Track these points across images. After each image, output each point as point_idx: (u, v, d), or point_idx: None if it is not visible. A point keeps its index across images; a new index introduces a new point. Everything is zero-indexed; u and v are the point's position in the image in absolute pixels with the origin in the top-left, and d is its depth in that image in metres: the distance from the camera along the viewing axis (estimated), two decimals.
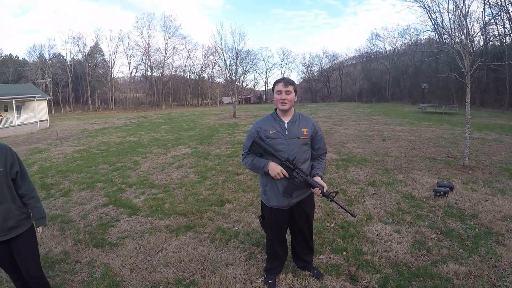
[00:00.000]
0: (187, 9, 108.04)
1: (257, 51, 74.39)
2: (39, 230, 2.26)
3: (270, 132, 2.34)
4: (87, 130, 18.47)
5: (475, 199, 4.40)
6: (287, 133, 2.34)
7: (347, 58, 61.87)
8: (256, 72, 68.81)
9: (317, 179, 2.31)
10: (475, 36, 22.95)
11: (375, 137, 10.70)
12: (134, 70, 56.34)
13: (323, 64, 61.90)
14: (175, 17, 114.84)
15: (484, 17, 26.94)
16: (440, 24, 30.32)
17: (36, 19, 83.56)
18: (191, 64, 61.95)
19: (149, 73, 55.98)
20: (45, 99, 26.98)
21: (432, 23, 32.23)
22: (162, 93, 55.23)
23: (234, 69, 27.51)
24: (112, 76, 54.47)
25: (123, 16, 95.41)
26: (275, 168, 2.25)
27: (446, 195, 4.44)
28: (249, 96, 63.44)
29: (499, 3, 24.75)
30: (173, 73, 59.46)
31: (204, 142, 11.04)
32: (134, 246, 3.37)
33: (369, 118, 18.59)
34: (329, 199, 2.29)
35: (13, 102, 22.00)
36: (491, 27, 27.16)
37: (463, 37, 6.98)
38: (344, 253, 3.05)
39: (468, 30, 6.86)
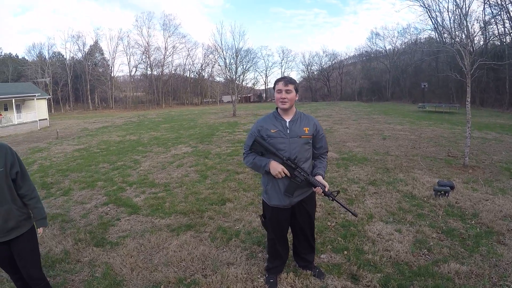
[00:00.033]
0: (187, 8, 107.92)
1: (257, 50, 74.42)
2: (40, 231, 2.24)
3: (272, 131, 2.33)
4: (87, 129, 18.45)
5: (476, 199, 4.40)
6: (288, 132, 2.33)
7: (347, 57, 61.91)
8: (256, 71, 68.89)
9: (319, 178, 2.30)
10: (476, 36, 22.97)
11: (375, 136, 10.69)
12: (134, 69, 56.38)
13: (323, 63, 61.98)
14: (175, 16, 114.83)
15: (484, 16, 26.94)
16: (440, 23, 30.32)
17: (36, 18, 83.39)
18: (191, 63, 61.98)
19: (149, 72, 56.01)
20: (45, 98, 26.96)
21: (432, 22, 32.24)
22: (162, 92, 55.19)
23: (234, 68, 27.45)
24: (112, 75, 54.45)
25: (123, 15, 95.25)
26: (276, 167, 2.25)
27: (446, 194, 4.44)
28: (249, 95, 63.37)
29: (499, 3, 24.74)
30: (173, 72, 59.48)
31: (204, 141, 11.03)
32: (135, 245, 3.37)
33: (369, 117, 18.58)
34: (331, 198, 2.28)
35: (13, 101, 21.96)
36: (491, 26, 27.16)
37: (463, 36, 6.98)
38: (345, 252, 3.05)
39: (469, 29, 6.84)
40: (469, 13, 6.83)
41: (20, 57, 51.83)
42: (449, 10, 26.51)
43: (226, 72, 28.16)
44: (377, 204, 4.32)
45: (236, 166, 6.91)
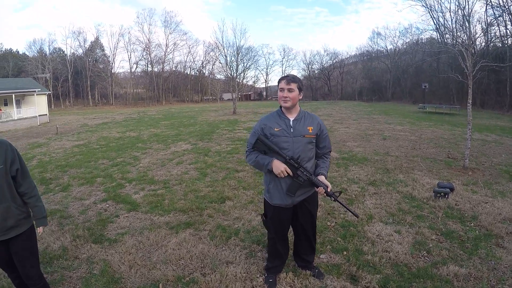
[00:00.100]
0: (188, 5, 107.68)
1: (258, 48, 74.11)
2: (40, 230, 2.18)
3: (275, 129, 2.31)
4: (86, 125, 18.42)
5: (475, 201, 4.40)
6: (292, 130, 2.31)
7: (348, 56, 61.85)
8: (257, 69, 68.83)
9: (321, 178, 2.29)
10: (478, 37, 22.92)
11: (375, 136, 10.68)
12: (135, 66, 56.15)
13: (324, 62, 61.90)
14: (176, 12, 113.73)
15: (486, 17, 26.88)
16: (442, 24, 30.26)
17: (36, 13, 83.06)
18: (192, 60, 62.02)
19: (149, 69, 55.82)
20: (45, 94, 26.89)
21: (434, 22, 32.20)
22: (162, 89, 55.07)
23: (234, 65, 27.46)
24: (113, 71, 54.19)
25: (124, 11, 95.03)
26: (279, 166, 2.23)
27: (446, 196, 4.43)
28: (249, 93, 63.33)
29: (501, 4, 24.68)
30: (174, 69, 59.24)
31: (204, 138, 11.01)
32: (133, 243, 3.36)
33: (369, 117, 18.57)
34: (333, 199, 2.27)
35: (13, 96, 21.91)
36: (493, 28, 27.11)
37: (465, 37, 6.95)
38: (345, 252, 3.04)
39: (471, 30, 6.83)
40: (471, 14, 6.80)
41: (20, 52, 51.69)
42: (451, 11, 26.45)
43: (226, 70, 28.20)
44: (377, 204, 4.32)
45: (236, 164, 6.90)
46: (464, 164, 6.30)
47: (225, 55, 28.14)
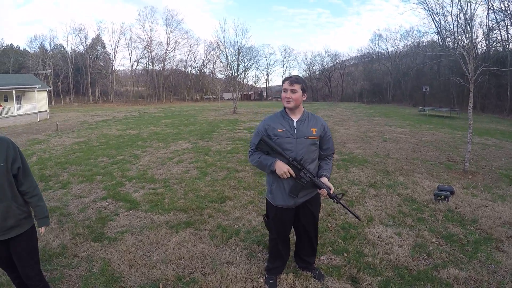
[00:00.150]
0: (190, 4, 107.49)
1: (259, 47, 73.93)
2: (42, 230, 2.14)
3: (279, 130, 2.30)
4: (86, 122, 18.40)
5: (475, 204, 4.40)
6: (295, 132, 2.30)
7: (349, 57, 61.85)
8: (258, 69, 68.56)
9: (324, 180, 2.28)
10: (481, 41, 22.95)
11: (375, 138, 10.69)
12: (135, 63, 56.09)
13: (325, 63, 61.84)
14: (178, 11, 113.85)
15: (488, 22, 26.92)
16: (444, 27, 30.29)
17: (37, 9, 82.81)
18: (193, 59, 61.75)
19: (150, 67, 55.76)
20: (46, 90, 26.84)
21: (436, 25, 32.24)
22: (162, 87, 55.02)
23: (235, 65, 27.42)
24: (113, 68, 54.12)
25: (125, 8, 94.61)
26: (282, 167, 2.22)
27: (446, 199, 4.44)
28: (249, 93, 63.31)
29: (503, 9, 24.71)
30: (174, 68, 59.22)
31: (204, 137, 11.01)
32: (133, 242, 3.35)
33: (369, 119, 18.58)
34: (335, 201, 2.26)
35: (13, 92, 21.86)
36: (495, 32, 27.15)
37: (467, 41, 6.96)
38: (345, 254, 3.04)
39: (473, 34, 6.84)
40: (473, 18, 6.82)
41: (21, 48, 51.60)
42: (453, 14, 26.49)
43: (227, 69, 28.14)
44: (377, 206, 4.32)
45: (236, 164, 6.90)
46: (464, 168, 6.31)
47: (226, 55, 28.13)
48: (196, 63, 61.95)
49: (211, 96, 59.12)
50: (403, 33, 59.02)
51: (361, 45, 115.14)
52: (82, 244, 3.33)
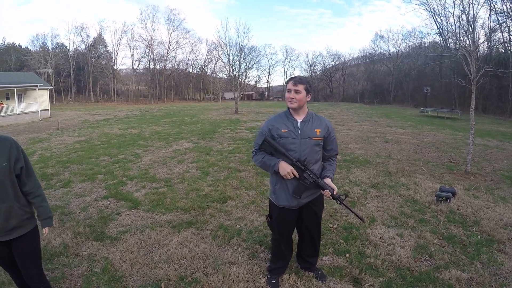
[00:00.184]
0: (191, 3, 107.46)
1: (261, 47, 73.96)
2: (45, 231, 2.10)
3: (283, 130, 2.30)
4: (88, 121, 18.43)
5: (477, 206, 4.40)
6: (299, 132, 2.30)
7: (351, 58, 61.72)
8: (259, 68, 68.57)
9: (328, 181, 2.28)
10: (483, 42, 22.89)
11: (377, 139, 10.68)
12: (137, 63, 56.03)
13: (326, 63, 61.78)
14: (179, 10, 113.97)
15: (490, 23, 26.86)
16: (446, 28, 30.23)
17: (39, 8, 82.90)
18: (194, 58, 61.95)
19: (151, 66, 55.78)
20: (47, 89, 26.86)
21: (438, 26, 32.16)
22: (164, 87, 55.04)
23: (237, 65, 27.42)
24: (115, 67, 54.19)
25: (127, 8, 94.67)
26: (285, 168, 2.21)
27: (448, 201, 4.43)
28: (251, 93, 63.29)
29: (505, 10, 24.65)
30: (176, 67, 59.22)
31: (206, 137, 11.01)
32: (135, 241, 3.35)
33: (371, 119, 18.57)
34: (339, 202, 2.26)
35: (15, 90, 21.90)
36: (497, 33, 27.08)
37: (469, 42, 6.94)
38: (347, 255, 3.04)
39: (475, 35, 6.82)
40: (475, 19, 6.79)
41: (23, 46, 51.67)
42: (455, 15, 26.40)
43: (229, 69, 28.13)
44: (379, 207, 4.31)
45: (238, 163, 6.90)
46: (466, 169, 6.30)
47: (227, 54, 28.15)
48: (198, 63, 62.09)
49: (213, 96, 59.14)
50: (405, 34, 59.16)
51: (362, 45, 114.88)
52: (83, 243, 3.33)
